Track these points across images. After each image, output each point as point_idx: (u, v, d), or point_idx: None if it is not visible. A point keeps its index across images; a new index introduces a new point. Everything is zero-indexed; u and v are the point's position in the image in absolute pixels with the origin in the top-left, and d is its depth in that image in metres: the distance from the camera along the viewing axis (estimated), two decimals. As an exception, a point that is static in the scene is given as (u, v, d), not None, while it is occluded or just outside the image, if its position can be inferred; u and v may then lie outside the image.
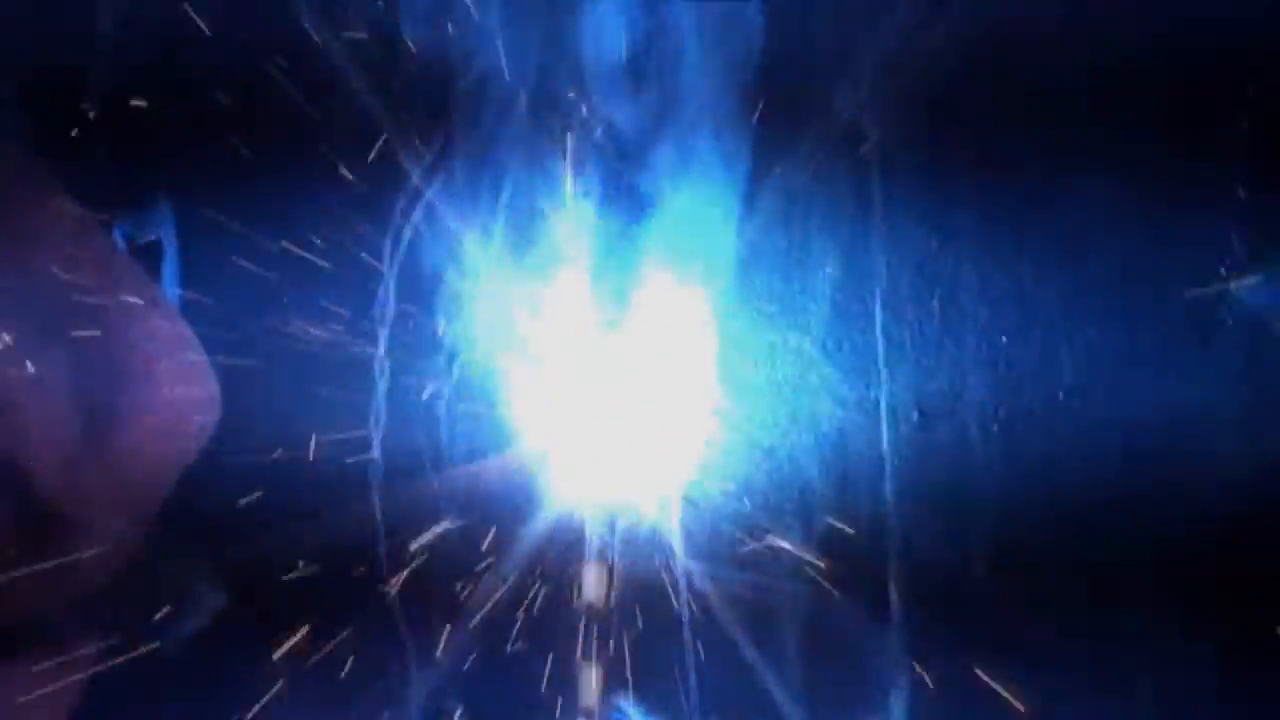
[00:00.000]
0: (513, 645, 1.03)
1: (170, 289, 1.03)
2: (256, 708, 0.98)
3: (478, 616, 1.03)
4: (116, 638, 0.91)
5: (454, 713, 1.04)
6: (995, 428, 1.06)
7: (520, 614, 1.04)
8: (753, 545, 1.07)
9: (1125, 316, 1.04)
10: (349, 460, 1.02)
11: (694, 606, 1.05)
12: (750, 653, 1.05)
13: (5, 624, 0.85)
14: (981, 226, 1.06)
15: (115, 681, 0.91)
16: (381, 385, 1.04)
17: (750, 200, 1.06)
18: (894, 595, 1.06)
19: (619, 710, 1.05)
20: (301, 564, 0.99)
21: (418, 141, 1.04)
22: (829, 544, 1.07)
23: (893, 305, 1.07)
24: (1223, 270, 1.04)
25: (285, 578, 0.98)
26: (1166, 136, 1.00)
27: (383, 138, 1.02)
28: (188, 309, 1.01)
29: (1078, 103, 1.01)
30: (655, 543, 1.07)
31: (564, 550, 1.05)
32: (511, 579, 1.03)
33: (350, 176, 1.02)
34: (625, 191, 1.07)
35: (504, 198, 1.06)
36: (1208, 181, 1.01)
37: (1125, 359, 1.04)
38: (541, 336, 1.07)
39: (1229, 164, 1.01)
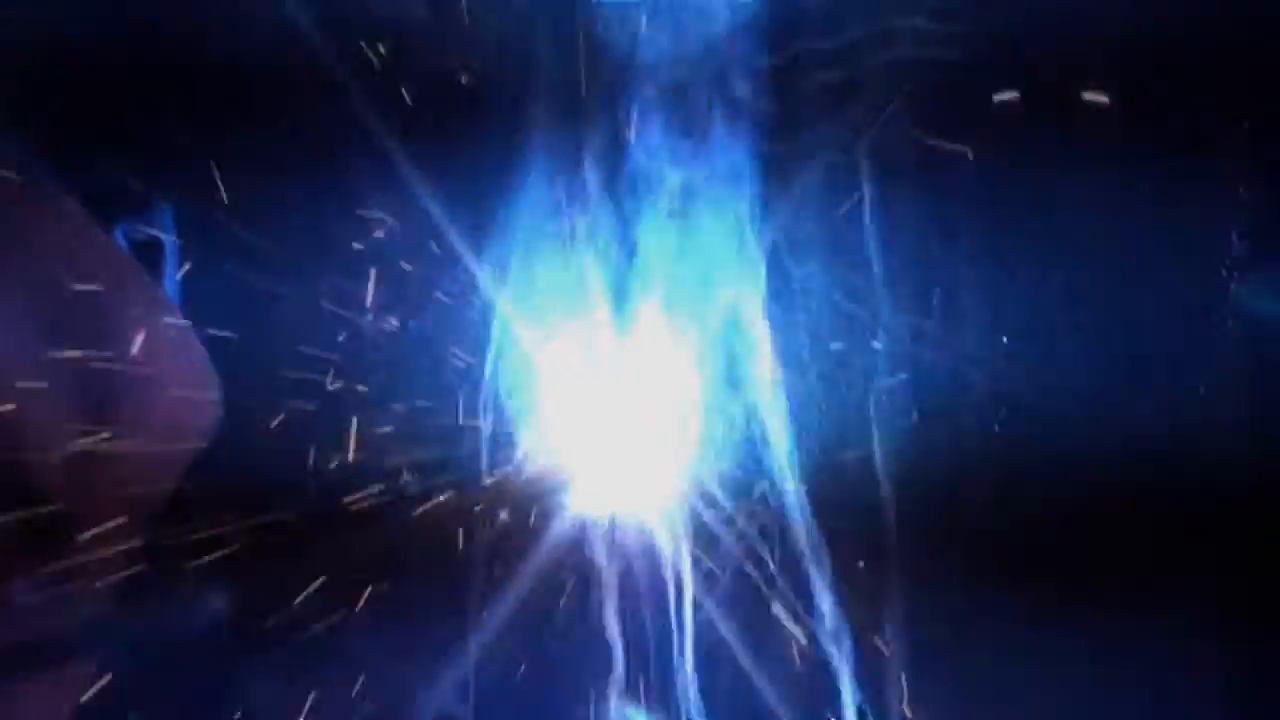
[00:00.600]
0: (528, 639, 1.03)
1: (171, 287, 1.03)
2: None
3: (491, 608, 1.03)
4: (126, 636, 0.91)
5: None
6: (996, 428, 1.06)
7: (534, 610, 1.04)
8: (752, 544, 1.07)
9: (1125, 317, 1.05)
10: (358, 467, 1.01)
11: (696, 604, 1.05)
12: (750, 652, 1.05)
13: (13, 625, 0.84)
14: (981, 227, 1.06)
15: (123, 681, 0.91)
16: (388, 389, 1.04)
17: (751, 200, 1.07)
18: (895, 597, 1.06)
19: (623, 712, 1.04)
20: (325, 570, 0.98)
21: (422, 145, 1.04)
22: (829, 544, 1.07)
23: (892, 305, 1.08)
24: (1223, 270, 1.04)
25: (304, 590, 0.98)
26: (1167, 137, 1.00)
27: (386, 144, 1.02)
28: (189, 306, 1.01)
29: (1077, 103, 1.01)
30: (657, 542, 1.07)
31: (572, 549, 1.05)
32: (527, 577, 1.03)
33: (350, 180, 1.02)
34: (634, 201, 1.07)
35: (512, 207, 1.07)
36: (1208, 181, 1.02)
37: (1126, 360, 1.04)
38: (551, 346, 1.07)
39: (1229, 164, 1.02)
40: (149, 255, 1.03)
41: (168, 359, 0.89)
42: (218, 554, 0.94)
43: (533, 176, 1.06)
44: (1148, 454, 1.01)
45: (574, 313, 1.07)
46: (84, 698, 0.89)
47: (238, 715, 0.97)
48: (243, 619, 0.96)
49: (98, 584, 0.88)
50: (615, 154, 1.06)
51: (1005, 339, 1.06)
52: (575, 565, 1.05)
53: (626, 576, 1.06)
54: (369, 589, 0.99)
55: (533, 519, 1.04)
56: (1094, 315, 1.05)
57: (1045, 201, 1.04)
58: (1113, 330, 1.05)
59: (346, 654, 0.99)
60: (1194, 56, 1.00)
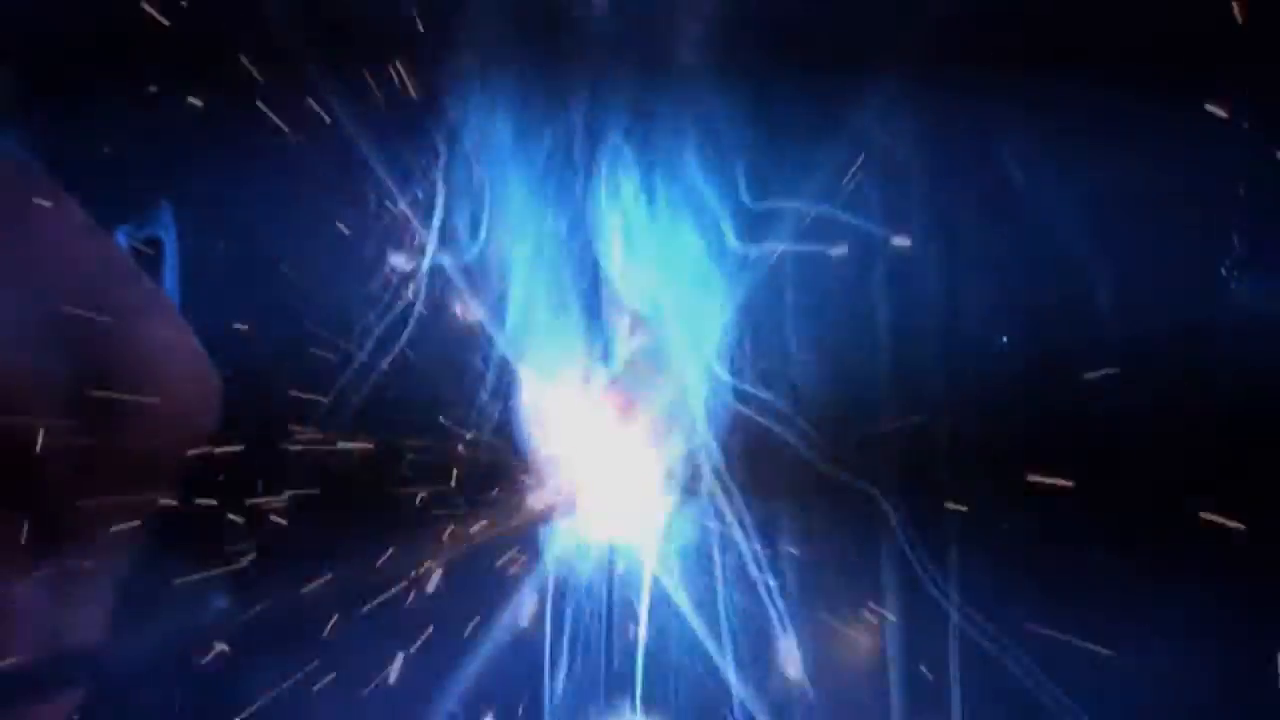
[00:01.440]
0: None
1: (171, 287, 1.03)
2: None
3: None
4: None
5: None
6: (987, 428, 1.06)
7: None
8: (752, 550, 1.07)
9: (1124, 316, 1.05)
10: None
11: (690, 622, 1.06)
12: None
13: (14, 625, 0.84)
14: (979, 224, 1.06)
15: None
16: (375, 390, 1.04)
17: (746, 198, 1.07)
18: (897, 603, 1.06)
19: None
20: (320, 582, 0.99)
21: (419, 155, 1.04)
22: (828, 549, 1.07)
23: (891, 306, 1.08)
24: (1223, 270, 1.04)
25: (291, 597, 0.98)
26: (1166, 135, 1.00)
27: (385, 150, 1.03)
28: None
29: (1077, 101, 1.02)
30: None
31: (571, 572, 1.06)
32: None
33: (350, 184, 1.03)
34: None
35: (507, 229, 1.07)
36: (1208, 181, 1.02)
37: (1124, 357, 1.05)
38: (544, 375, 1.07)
39: (1229, 163, 1.02)
40: (149, 255, 1.03)
41: (166, 359, 0.89)
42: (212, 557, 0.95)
43: (529, 200, 1.06)
44: (1145, 452, 1.01)
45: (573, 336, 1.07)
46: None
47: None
48: (237, 620, 0.96)
49: (95, 583, 0.88)
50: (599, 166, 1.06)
51: (1004, 339, 1.07)
52: (572, 588, 1.05)
53: (622, 599, 1.06)
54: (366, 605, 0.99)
55: (531, 542, 1.05)
56: (1092, 314, 1.05)
57: (1045, 200, 1.05)
58: (1111, 328, 1.05)
59: (345, 664, 0.99)
60: (1194, 54, 1.00)
